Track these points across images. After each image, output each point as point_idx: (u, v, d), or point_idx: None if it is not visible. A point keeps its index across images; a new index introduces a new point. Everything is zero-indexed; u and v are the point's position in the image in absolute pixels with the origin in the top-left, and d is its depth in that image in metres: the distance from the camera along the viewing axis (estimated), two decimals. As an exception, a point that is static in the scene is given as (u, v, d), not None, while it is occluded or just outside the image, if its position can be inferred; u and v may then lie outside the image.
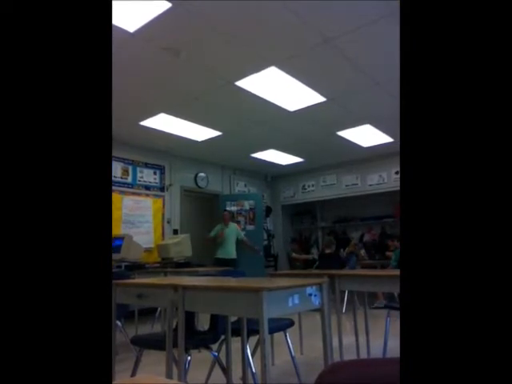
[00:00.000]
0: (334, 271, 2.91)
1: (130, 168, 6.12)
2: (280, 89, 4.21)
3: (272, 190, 8.99)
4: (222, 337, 2.20)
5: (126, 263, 4.75)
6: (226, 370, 2.18)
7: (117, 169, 5.89)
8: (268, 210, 8.78)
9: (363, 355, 3.10)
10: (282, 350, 2.91)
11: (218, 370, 2.24)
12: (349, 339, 3.38)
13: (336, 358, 2.68)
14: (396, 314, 2.30)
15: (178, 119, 5.05)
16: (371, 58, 3.64)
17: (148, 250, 5.90)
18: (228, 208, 7.68)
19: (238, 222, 6.99)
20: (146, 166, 6.37)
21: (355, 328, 3.17)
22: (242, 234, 6.32)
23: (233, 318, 2.28)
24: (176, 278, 2.81)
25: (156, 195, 6.46)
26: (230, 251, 6.09)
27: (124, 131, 5.42)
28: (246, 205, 8.14)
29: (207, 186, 7.40)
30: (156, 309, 4.39)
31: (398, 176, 6.84)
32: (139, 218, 6.12)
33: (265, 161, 7.39)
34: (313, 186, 8.33)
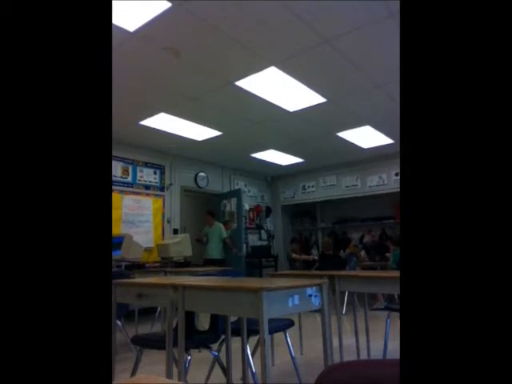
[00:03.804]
0: (334, 272, 2.91)
1: (130, 168, 6.12)
2: (280, 89, 4.21)
3: (272, 190, 8.99)
4: (222, 337, 2.20)
5: (126, 263, 4.75)
6: (225, 370, 2.18)
7: (117, 168, 5.89)
8: (268, 211, 8.79)
9: (363, 356, 3.10)
10: (282, 351, 2.91)
11: (218, 370, 2.24)
12: (349, 340, 3.38)
13: (336, 358, 2.68)
14: (396, 316, 2.30)
15: (178, 119, 5.05)
16: (371, 58, 3.64)
17: (148, 250, 5.90)
18: (228, 208, 7.71)
19: (226, 222, 6.96)
20: (146, 165, 6.37)
21: (355, 329, 3.17)
22: (225, 234, 6.38)
23: (233, 318, 2.28)
24: (176, 277, 2.81)
25: (156, 195, 6.46)
26: (210, 251, 6.25)
27: (124, 131, 5.42)
28: (246, 205, 8.15)
29: (207, 185, 7.40)
30: (156, 309, 4.38)
31: (398, 177, 6.84)
32: (139, 218, 6.12)
33: (265, 161, 7.39)
34: (313, 186, 8.33)
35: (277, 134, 5.87)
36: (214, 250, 6.25)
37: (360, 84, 4.17)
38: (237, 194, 7.52)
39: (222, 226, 6.44)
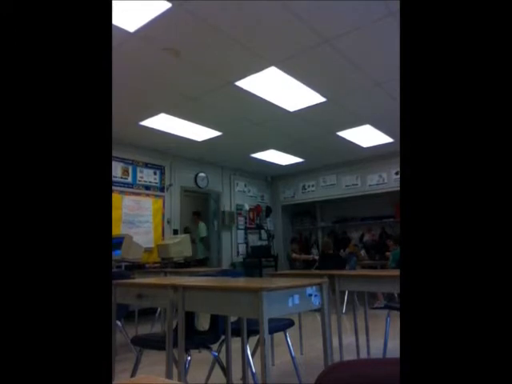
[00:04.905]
0: (333, 271, 2.91)
1: (130, 168, 6.12)
2: (280, 89, 4.21)
3: (272, 190, 9.00)
4: (222, 337, 2.20)
5: (126, 263, 4.75)
6: (225, 371, 2.18)
7: (117, 169, 5.89)
8: (268, 211, 8.79)
9: (363, 355, 3.11)
10: (282, 350, 2.91)
11: (218, 370, 2.24)
12: (349, 339, 3.38)
13: (336, 358, 2.69)
14: (396, 314, 2.30)
15: (178, 119, 5.05)
16: (371, 58, 3.64)
17: (148, 250, 5.90)
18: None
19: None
20: (146, 166, 6.37)
21: (355, 328, 3.17)
22: (203, 233, 6.73)
23: (233, 318, 2.28)
24: (176, 278, 2.81)
25: (156, 195, 6.46)
26: (196, 251, 6.58)
27: (124, 131, 5.42)
28: (246, 205, 8.15)
29: (207, 185, 7.39)
30: (156, 309, 4.38)
31: (398, 176, 6.84)
32: (139, 218, 6.12)
33: (265, 161, 7.39)
34: (313, 186, 8.33)
35: (277, 134, 5.87)
36: (197, 250, 6.56)
37: (360, 83, 4.17)
38: (213, 195, 7.62)
39: (203, 225, 6.73)
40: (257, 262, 7.44)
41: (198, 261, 6.40)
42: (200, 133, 5.60)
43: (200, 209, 7.34)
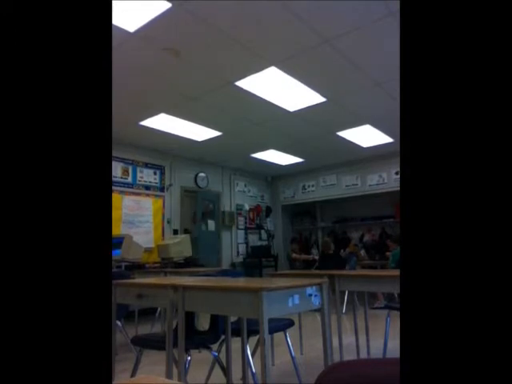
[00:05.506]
0: (333, 271, 2.91)
1: (130, 168, 6.12)
2: (280, 89, 4.21)
3: (272, 190, 8.99)
4: (222, 337, 2.20)
5: (126, 263, 4.75)
6: (225, 371, 2.18)
7: (117, 169, 5.89)
8: (268, 211, 8.79)
9: (363, 355, 3.11)
10: (282, 351, 2.91)
11: (218, 370, 2.24)
12: (349, 339, 3.38)
13: (336, 358, 2.69)
14: (396, 314, 2.30)
15: (178, 119, 5.05)
16: (371, 58, 3.64)
17: (148, 250, 5.90)
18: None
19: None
20: (146, 166, 6.37)
21: (355, 328, 3.17)
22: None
23: (233, 318, 2.28)
24: (176, 278, 2.81)
25: (156, 195, 6.46)
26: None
27: (124, 131, 5.42)
28: (246, 205, 8.15)
29: (207, 186, 7.39)
30: (156, 309, 4.38)
31: (398, 176, 6.84)
32: (139, 218, 6.12)
33: (265, 161, 7.39)
34: (313, 186, 8.33)
35: (277, 134, 5.87)
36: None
37: (360, 83, 4.16)
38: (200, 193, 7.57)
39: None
40: (257, 261, 7.43)
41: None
42: (200, 133, 5.60)
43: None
